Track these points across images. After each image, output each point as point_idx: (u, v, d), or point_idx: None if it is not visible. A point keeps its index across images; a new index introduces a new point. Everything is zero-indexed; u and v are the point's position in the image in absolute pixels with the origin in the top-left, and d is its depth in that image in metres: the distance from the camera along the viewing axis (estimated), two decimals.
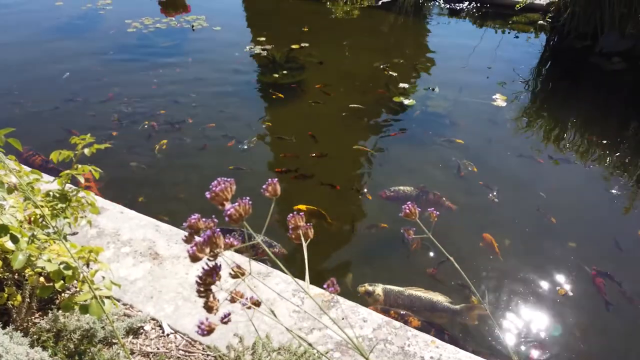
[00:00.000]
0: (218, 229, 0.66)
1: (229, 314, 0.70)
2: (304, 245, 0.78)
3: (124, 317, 2.08)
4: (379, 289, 2.77)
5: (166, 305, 2.19)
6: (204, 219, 0.69)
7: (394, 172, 3.96)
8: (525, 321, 2.68)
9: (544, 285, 2.89)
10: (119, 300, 2.19)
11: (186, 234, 0.70)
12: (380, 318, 2.17)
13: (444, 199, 3.59)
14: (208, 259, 0.66)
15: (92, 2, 7.96)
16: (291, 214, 0.79)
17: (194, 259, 0.64)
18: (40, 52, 6.07)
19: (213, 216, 0.70)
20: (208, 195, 0.67)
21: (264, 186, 0.76)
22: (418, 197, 3.62)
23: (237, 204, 0.67)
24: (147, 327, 2.07)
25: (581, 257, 3.09)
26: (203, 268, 0.68)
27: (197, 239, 0.65)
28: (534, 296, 2.82)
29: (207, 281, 0.68)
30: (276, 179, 0.77)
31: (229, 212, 0.66)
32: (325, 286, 0.79)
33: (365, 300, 2.74)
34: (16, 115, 4.55)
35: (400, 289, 2.79)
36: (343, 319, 2.17)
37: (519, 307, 2.75)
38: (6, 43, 6.40)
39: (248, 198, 0.68)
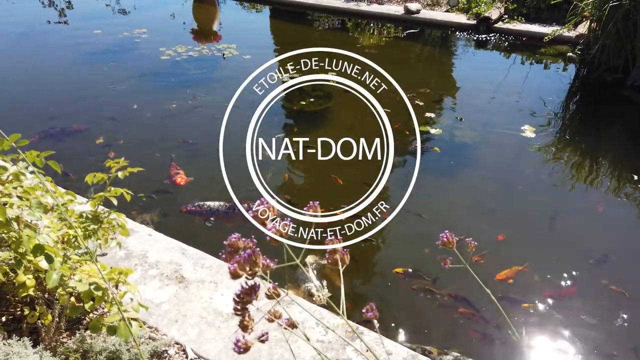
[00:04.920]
0: (258, 249, 0.67)
1: (267, 333, 0.70)
2: (341, 270, 0.78)
3: (148, 340, 2.09)
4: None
5: (190, 329, 2.19)
6: (243, 239, 0.70)
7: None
8: None
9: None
10: (144, 323, 2.20)
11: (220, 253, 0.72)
12: (406, 351, 2.12)
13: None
14: (246, 278, 0.67)
15: (128, 30, 8.29)
16: (329, 239, 0.79)
17: (235, 275, 0.66)
18: (78, 77, 6.34)
19: (252, 236, 0.71)
20: (251, 214, 0.68)
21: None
22: (227, 213, 3.54)
23: (278, 223, 0.68)
24: (171, 351, 2.07)
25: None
26: (242, 286, 0.68)
27: (237, 257, 0.67)
28: None
29: (244, 300, 0.68)
30: (317, 202, 0.77)
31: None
32: (364, 311, 0.79)
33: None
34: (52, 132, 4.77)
35: None
36: (367, 350, 2.13)
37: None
38: (48, 67, 6.72)
39: (289, 219, 0.70)
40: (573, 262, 3.26)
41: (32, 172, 1.71)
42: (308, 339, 0.79)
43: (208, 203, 3.68)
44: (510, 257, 3.26)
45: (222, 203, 3.68)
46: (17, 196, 1.69)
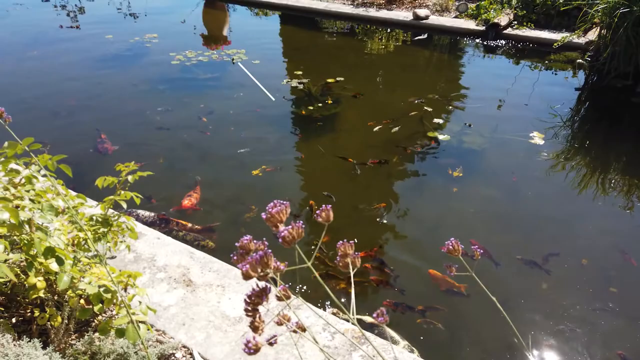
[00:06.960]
0: (270, 250, 0.68)
1: (275, 336, 0.71)
2: (352, 273, 0.78)
3: (156, 343, 2.10)
4: None
5: (197, 333, 2.21)
6: (255, 241, 0.71)
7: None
8: None
9: None
10: (152, 326, 2.22)
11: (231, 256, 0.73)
12: (412, 358, 2.11)
13: (190, 225, 3.50)
14: (257, 279, 0.68)
15: (139, 35, 8.38)
16: (341, 241, 0.80)
17: (246, 277, 0.67)
18: (88, 79, 6.42)
19: (264, 239, 0.72)
20: (264, 216, 0.69)
21: (317, 212, 0.78)
22: (153, 224, 3.47)
23: (290, 227, 0.69)
24: (178, 355, 2.08)
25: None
26: (253, 288, 0.69)
27: (249, 258, 0.68)
28: None
29: (255, 301, 0.69)
30: (330, 206, 0.78)
31: (282, 234, 0.69)
32: (374, 315, 0.79)
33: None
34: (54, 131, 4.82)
35: None
36: (373, 356, 2.13)
37: None
38: (61, 70, 6.80)
39: (301, 222, 0.71)
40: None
41: (44, 176, 1.73)
42: (317, 342, 0.80)
43: (137, 211, 3.57)
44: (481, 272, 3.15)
45: (153, 214, 3.59)
46: (29, 199, 1.72)
